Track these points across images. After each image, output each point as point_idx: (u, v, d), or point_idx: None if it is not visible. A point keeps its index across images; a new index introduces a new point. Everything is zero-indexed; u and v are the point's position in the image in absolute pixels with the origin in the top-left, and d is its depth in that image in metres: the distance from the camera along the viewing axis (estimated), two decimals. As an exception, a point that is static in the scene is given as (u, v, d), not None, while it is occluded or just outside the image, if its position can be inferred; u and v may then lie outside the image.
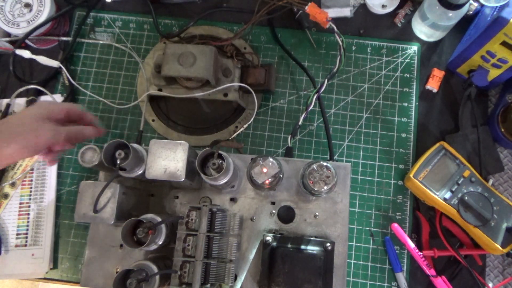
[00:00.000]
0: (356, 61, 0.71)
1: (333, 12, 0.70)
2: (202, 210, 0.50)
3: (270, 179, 0.49)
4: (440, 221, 0.62)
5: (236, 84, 0.64)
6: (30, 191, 0.67)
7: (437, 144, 0.63)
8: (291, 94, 0.70)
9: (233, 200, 0.57)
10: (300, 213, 0.55)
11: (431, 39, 0.71)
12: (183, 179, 0.49)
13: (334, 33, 0.62)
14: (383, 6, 0.71)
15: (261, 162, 0.49)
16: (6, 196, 0.67)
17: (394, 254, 0.62)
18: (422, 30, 0.69)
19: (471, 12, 0.67)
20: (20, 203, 0.66)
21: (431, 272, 0.60)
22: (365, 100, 0.69)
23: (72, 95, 0.70)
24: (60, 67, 0.68)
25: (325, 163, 0.50)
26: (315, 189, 0.49)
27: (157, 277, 0.47)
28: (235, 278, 0.53)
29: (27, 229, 0.65)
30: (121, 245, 0.56)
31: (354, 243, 0.64)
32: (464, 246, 0.63)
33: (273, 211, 0.56)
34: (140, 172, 0.56)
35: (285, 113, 0.69)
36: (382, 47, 0.71)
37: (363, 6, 0.72)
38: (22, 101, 0.69)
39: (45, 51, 0.72)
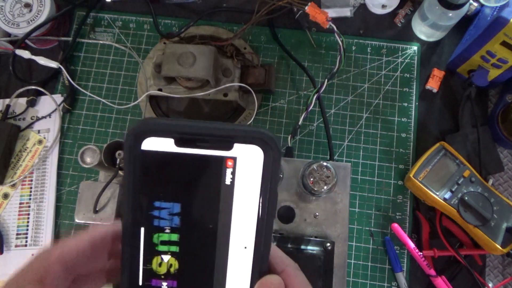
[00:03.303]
0: (356, 61, 0.71)
1: (333, 12, 0.70)
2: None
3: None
4: (440, 221, 0.62)
5: (236, 84, 0.64)
6: (30, 191, 0.67)
7: (437, 144, 0.63)
8: (291, 94, 0.70)
9: (233, 200, 0.56)
10: (300, 213, 0.55)
11: (431, 39, 0.71)
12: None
13: (334, 33, 0.62)
14: (383, 6, 0.71)
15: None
16: (6, 196, 0.67)
17: (394, 254, 0.62)
18: (422, 30, 0.69)
19: (471, 12, 0.67)
20: (20, 203, 0.66)
21: (431, 272, 0.60)
22: (365, 100, 0.69)
23: (72, 95, 0.70)
24: (60, 68, 0.68)
25: (325, 163, 0.50)
26: (315, 189, 0.49)
27: None
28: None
29: (27, 229, 0.65)
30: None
31: (354, 243, 0.64)
32: (464, 246, 0.63)
33: (273, 211, 0.56)
34: (140, 172, 0.56)
35: (285, 113, 0.69)
36: (382, 47, 0.71)
37: (363, 6, 0.72)
38: (22, 101, 0.69)
39: (45, 51, 0.72)
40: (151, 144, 0.24)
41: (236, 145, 0.24)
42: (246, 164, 0.24)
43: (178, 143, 0.23)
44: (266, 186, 0.24)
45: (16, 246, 0.65)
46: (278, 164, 0.24)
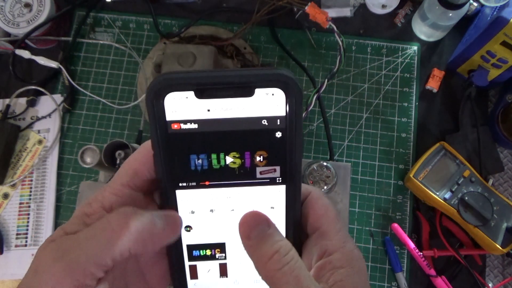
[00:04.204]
0: (356, 61, 0.71)
1: (333, 12, 0.70)
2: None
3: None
4: (440, 221, 0.62)
5: (236, 84, 0.64)
6: (30, 191, 0.67)
7: (437, 144, 0.63)
8: (291, 94, 0.70)
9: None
10: (300, 213, 0.55)
11: (431, 39, 0.71)
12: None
13: (334, 33, 0.62)
14: (383, 6, 0.71)
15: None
16: (6, 196, 0.67)
17: (394, 254, 0.62)
18: (422, 30, 0.69)
19: (471, 12, 0.67)
20: (20, 203, 0.66)
21: (431, 272, 0.60)
22: (365, 100, 0.69)
23: (72, 95, 0.70)
24: (60, 68, 0.68)
25: (325, 163, 0.50)
26: (315, 189, 0.49)
27: None
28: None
29: (27, 229, 0.65)
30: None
31: (354, 243, 0.64)
32: (464, 246, 0.63)
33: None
34: (140, 172, 0.56)
35: (285, 113, 0.69)
36: (382, 47, 0.71)
37: (363, 6, 0.72)
38: (22, 101, 0.69)
39: (45, 51, 0.72)
40: (173, 98, 0.23)
41: (257, 90, 0.23)
42: (269, 106, 0.24)
43: (199, 94, 0.23)
44: (292, 124, 0.24)
45: (16, 246, 0.65)
46: (300, 104, 0.24)
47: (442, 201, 0.59)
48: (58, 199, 0.67)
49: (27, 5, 0.68)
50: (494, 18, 0.56)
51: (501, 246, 0.58)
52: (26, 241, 0.65)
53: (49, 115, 0.69)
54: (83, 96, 0.70)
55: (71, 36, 0.71)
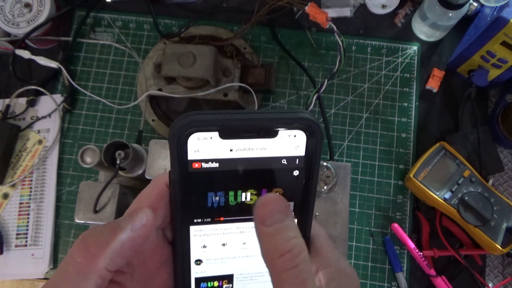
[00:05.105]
0: (356, 61, 0.71)
1: (333, 12, 0.70)
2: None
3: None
4: (440, 221, 0.62)
5: (236, 84, 0.64)
6: (30, 191, 0.67)
7: (437, 144, 0.63)
8: (291, 94, 0.70)
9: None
10: (300, 213, 0.55)
11: (431, 39, 0.71)
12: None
13: (334, 33, 0.62)
14: (383, 6, 0.71)
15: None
16: (6, 196, 0.67)
17: (394, 254, 0.62)
18: (422, 30, 0.69)
19: (471, 12, 0.67)
20: (20, 203, 0.66)
21: (431, 272, 0.60)
22: (365, 100, 0.69)
23: (72, 95, 0.70)
24: (60, 68, 0.68)
25: (325, 163, 0.50)
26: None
27: None
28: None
29: (27, 229, 0.65)
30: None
31: (354, 243, 0.64)
32: (464, 246, 0.63)
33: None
34: (140, 172, 0.56)
35: (285, 113, 0.69)
36: (382, 47, 0.71)
37: (363, 6, 0.72)
38: (22, 101, 0.69)
39: (45, 51, 0.72)
40: (197, 138, 0.23)
41: (280, 131, 0.24)
42: (290, 147, 0.24)
43: (223, 135, 0.23)
44: (310, 163, 0.25)
45: (16, 246, 0.65)
46: (321, 144, 0.25)
47: (442, 201, 0.59)
48: (58, 199, 0.67)
49: (27, 5, 0.68)
50: (494, 18, 0.56)
51: (501, 246, 0.58)
52: (26, 241, 0.65)
53: (49, 115, 0.69)
54: (83, 96, 0.70)
55: (71, 36, 0.71)
